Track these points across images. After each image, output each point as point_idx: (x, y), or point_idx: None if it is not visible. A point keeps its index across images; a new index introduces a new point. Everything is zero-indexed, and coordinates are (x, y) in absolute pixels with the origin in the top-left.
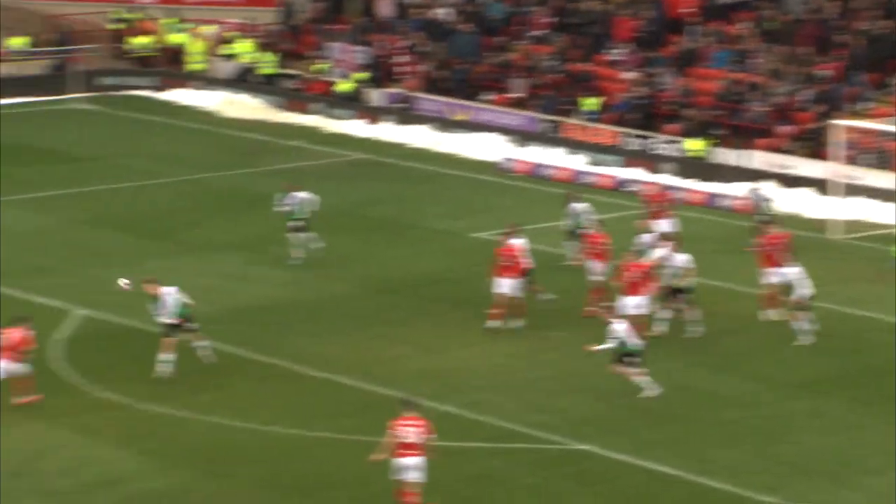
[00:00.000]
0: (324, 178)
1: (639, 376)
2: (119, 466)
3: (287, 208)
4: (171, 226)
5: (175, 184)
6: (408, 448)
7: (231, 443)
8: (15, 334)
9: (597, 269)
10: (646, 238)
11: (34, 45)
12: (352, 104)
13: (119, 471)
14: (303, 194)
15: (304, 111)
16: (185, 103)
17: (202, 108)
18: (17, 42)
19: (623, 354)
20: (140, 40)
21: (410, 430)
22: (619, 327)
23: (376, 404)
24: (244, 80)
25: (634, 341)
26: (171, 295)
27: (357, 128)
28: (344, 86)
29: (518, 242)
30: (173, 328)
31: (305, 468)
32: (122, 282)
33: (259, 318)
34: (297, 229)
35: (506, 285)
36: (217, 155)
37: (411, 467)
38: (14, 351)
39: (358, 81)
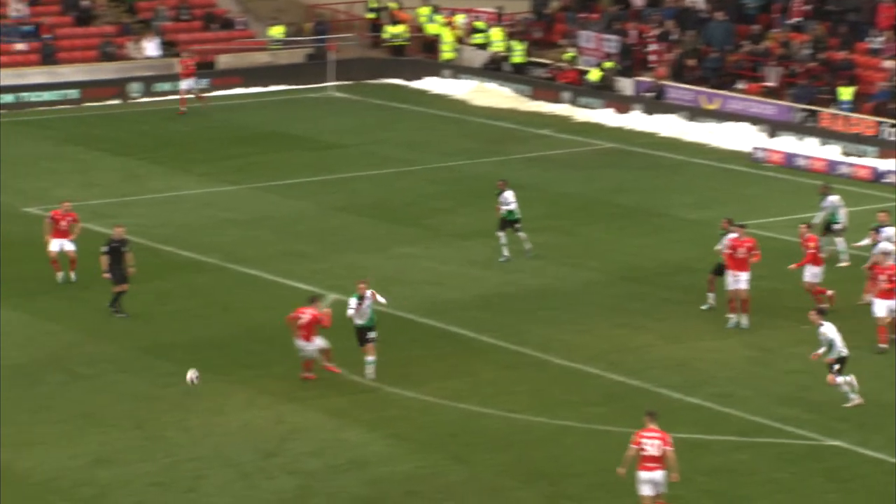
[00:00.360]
0: (571, 167)
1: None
2: (367, 449)
3: (505, 207)
4: (421, 212)
5: (425, 171)
6: (650, 461)
7: (477, 429)
8: (308, 313)
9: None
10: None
11: (292, 34)
12: (602, 93)
13: (367, 453)
14: None
15: (553, 100)
16: (436, 92)
17: (453, 97)
18: (275, 31)
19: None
20: (395, 29)
21: (652, 442)
22: (830, 330)
23: (621, 394)
24: (495, 69)
25: (839, 345)
26: (369, 300)
27: (607, 117)
28: (594, 74)
29: (736, 236)
30: (361, 331)
31: (550, 456)
32: (191, 376)
33: (505, 305)
34: (516, 228)
35: (742, 280)
36: (467, 143)
37: (653, 481)
38: (308, 329)
39: (608, 70)
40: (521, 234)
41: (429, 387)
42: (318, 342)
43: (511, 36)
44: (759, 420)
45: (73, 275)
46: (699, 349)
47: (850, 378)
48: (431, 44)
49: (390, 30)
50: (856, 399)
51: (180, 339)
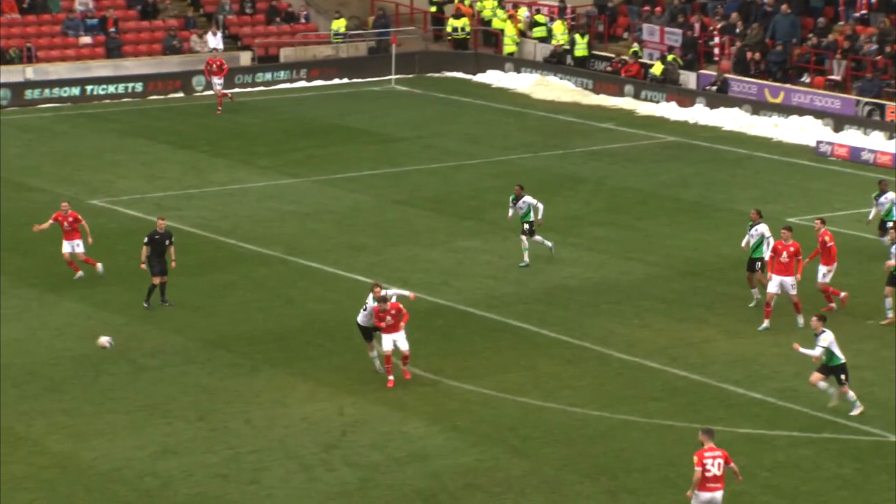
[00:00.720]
0: (633, 161)
1: (841, 392)
2: (428, 442)
3: (521, 210)
4: (481, 206)
5: (486, 164)
6: (712, 481)
7: (538, 422)
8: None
9: None
10: None
11: (356, 27)
12: (664, 86)
13: (428, 446)
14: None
15: (616, 93)
16: (498, 85)
17: (515, 90)
18: (338, 25)
19: (828, 367)
20: (457, 23)
21: (715, 461)
22: (830, 336)
23: (683, 389)
24: (557, 63)
25: (839, 354)
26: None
27: (669, 110)
28: (657, 68)
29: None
30: (366, 330)
31: (612, 450)
32: (104, 340)
33: (566, 299)
34: (529, 232)
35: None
36: (528, 136)
37: (714, 501)
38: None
39: (671, 63)
40: (537, 238)
41: (489, 380)
42: (403, 336)
43: (573, 29)
44: (822, 416)
45: (99, 266)
46: (761, 344)
47: (833, 389)
48: (494, 37)
49: (452, 23)
50: (835, 400)
51: (242, 331)
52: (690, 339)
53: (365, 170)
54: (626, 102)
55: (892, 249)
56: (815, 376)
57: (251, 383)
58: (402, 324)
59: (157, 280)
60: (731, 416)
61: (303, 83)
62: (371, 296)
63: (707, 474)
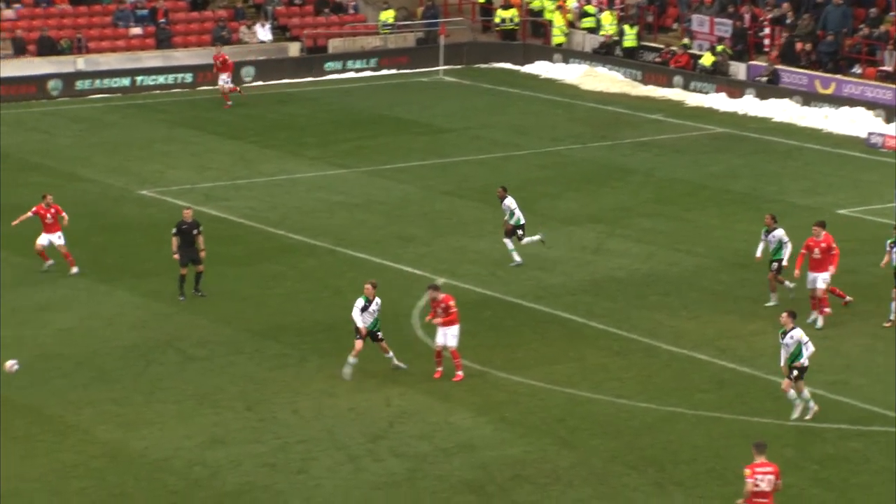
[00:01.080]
0: (682, 152)
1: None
2: (476, 433)
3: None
4: (530, 197)
5: (534, 155)
6: (760, 496)
7: (585, 414)
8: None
9: None
10: None
11: (403, 18)
12: (714, 77)
13: (476, 437)
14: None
15: (665, 84)
16: (546, 76)
17: (563, 81)
18: (386, 15)
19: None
20: (506, 13)
21: (765, 477)
22: (798, 333)
23: (731, 381)
24: (606, 53)
25: (807, 352)
26: (376, 305)
27: (719, 101)
28: (707, 59)
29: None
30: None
31: (659, 442)
32: (9, 364)
33: (614, 290)
34: (511, 233)
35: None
36: (576, 127)
37: None
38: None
39: (721, 54)
40: (526, 240)
41: (537, 371)
42: (456, 331)
43: (622, 20)
44: (872, 408)
45: (74, 269)
46: (810, 337)
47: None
48: (542, 28)
49: (501, 14)
50: (798, 410)
51: (290, 322)
52: (739, 331)
53: (413, 160)
54: (674, 93)
55: (886, 246)
56: (786, 383)
57: (299, 374)
58: (453, 318)
59: (185, 270)
60: (780, 408)
61: (351, 74)
62: (364, 295)
63: (755, 489)
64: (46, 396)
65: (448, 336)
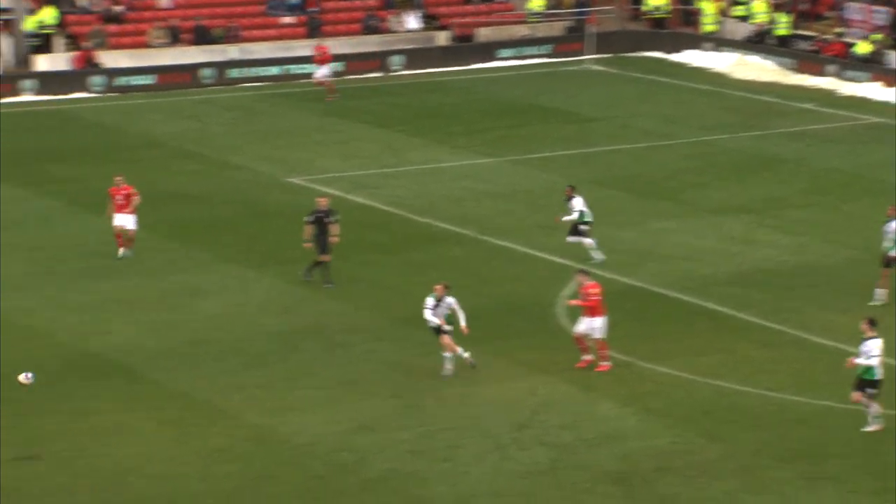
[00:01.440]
0: (836, 142)
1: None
2: (620, 423)
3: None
4: (677, 186)
5: (682, 145)
6: None
7: (733, 406)
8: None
9: None
10: None
11: (552, 6)
12: (869, 66)
13: (620, 428)
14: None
15: (818, 73)
16: (696, 65)
17: (713, 70)
18: (535, 4)
19: (865, 381)
20: (656, 2)
21: None
22: (875, 346)
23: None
24: (758, 42)
25: (879, 370)
26: (447, 303)
27: (874, 91)
28: (862, 47)
29: None
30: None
31: (809, 436)
32: (24, 377)
33: (763, 282)
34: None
35: None
36: (726, 117)
37: None
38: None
39: (877, 43)
40: (587, 241)
41: (682, 362)
42: (600, 323)
43: (775, 8)
44: None
45: (129, 251)
46: None
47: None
48: (692, 16)
49: (651, 2)
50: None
51: None
52: (892, 325)
53: (559, 150)
54: (827, 82)
55: (884, 228)
56: (855, 395)
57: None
58: (596, 308)
59: (321, 258)
60: None
61: (498, 63)
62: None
63: None
64: (197, 381)
65: (593, 326)
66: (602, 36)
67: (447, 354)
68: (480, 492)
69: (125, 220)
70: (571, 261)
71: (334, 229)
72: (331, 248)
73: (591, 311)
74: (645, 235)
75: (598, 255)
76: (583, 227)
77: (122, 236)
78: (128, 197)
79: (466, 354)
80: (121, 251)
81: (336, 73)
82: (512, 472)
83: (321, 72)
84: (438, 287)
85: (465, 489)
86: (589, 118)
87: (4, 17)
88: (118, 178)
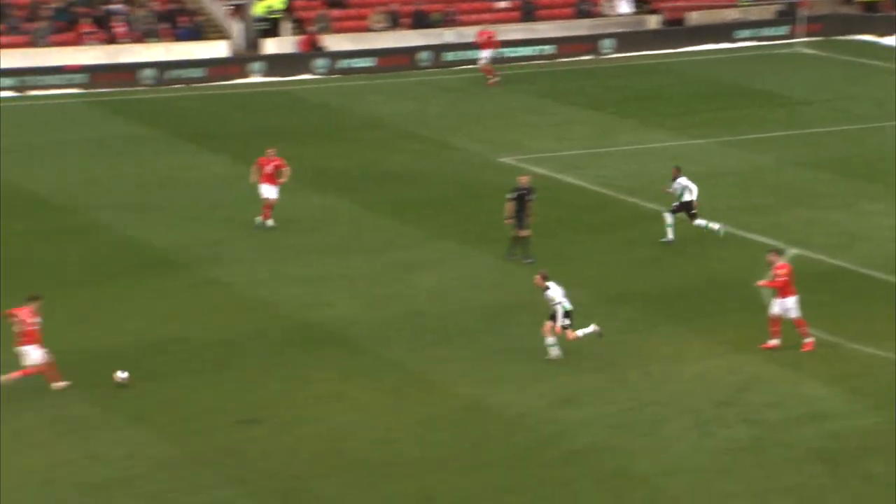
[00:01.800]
0: None
1: None
2: (826, 403)
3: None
4: (889, 169)
5: (893, 129)
6: None
7: None
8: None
9: None
10: None
11: None
12: None
13: (826, 407)
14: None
15: None
16: None
17: None
18: None
19: None
20: None
21: None
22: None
23: None
24: None
25: None
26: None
27: None
28: None
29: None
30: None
31: None
32: (120, 376)
33: None
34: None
35: None
36: None
37: None
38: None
39: None
40: (668, 216)
41: (891, 344)
42: (792, 302)
43: None
44: None
45: (269, 221)
46: None
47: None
48: None
49: None
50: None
51: (642, 288)
52: None
53: (768, 131)
54: None
55: None
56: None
57: (649, 338)
58: (785, 288)
59: (523, 234)
60: None
61: (710, 45)
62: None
63: None
64: (412, 352)
65: (786, 307)
66: (813, 19)
67: (550, 340)
68: (682, 467)
69: (270, 192)
70: (775, 241)
71: (532, 207)
72: (529, 225)
73: (782, 292)
74: (855, 217)
75: (671, 235)
76: (675, 205)
77: (268, 206)
78: (277, 167)
79: (592, 327)
80: (264, 220)
81: (494, 60)
82: (714, 449)
83: (484, 56)
84: (537, 278)
85: (666, 464)
86: (799, 101)
87: (236, 2)
88: (270, 151)
